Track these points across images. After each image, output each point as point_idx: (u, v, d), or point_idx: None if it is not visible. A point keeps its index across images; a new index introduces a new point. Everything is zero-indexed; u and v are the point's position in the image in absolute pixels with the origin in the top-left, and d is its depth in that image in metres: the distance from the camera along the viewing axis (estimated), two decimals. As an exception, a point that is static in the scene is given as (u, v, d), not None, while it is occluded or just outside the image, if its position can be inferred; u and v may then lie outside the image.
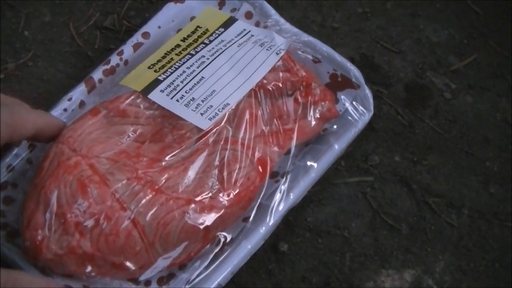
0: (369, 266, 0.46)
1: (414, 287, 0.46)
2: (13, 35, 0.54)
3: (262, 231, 0.42)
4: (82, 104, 0.45)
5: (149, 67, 0.45)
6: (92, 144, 0.40)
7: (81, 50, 0.54)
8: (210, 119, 0.42)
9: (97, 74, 0.46)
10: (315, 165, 0.44)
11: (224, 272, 0.40)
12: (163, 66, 0.45)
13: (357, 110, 0.47)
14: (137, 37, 0.48)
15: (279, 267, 0.45)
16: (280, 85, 0.45)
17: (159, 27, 0.49)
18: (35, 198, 0.38)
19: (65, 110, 0.45)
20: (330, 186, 0.49)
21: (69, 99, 0.45)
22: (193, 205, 0.39)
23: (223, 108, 0.42)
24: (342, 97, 0.47)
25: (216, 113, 0.42)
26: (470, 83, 0.55)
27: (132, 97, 0.42)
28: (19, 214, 0.40)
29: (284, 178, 0.44)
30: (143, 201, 0.38)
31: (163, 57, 0.45)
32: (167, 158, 0.41)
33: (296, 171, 0.44)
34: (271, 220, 0.42)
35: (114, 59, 0.47)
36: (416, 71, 0.55)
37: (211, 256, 0.41)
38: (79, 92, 0.45)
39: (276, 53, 0.45)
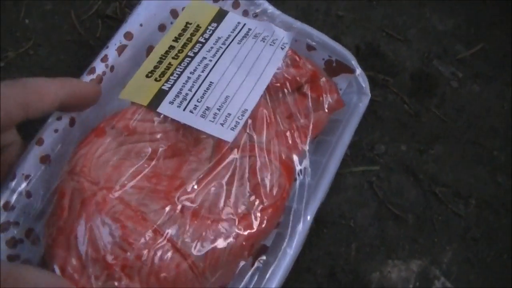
0: (375, 256, 0.46)
1: (421, 277, 0.45)
2: (13, 24, 0.53)
3: (299, 233, 0.40)
4: (72, 121, 0.41)
5: (147, 76, 0.41)
6: (107, 170, 0.36)
7: (83, 39, 0.53)
8: (232, 129, 0.39)
9: None
10: (330, 159, 0.43)
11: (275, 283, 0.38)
12: (163, 73, 0.41)
13: (354, 94, 0.46)
14: (119, 39, 0.44)
15: (284, 257, 0.45)
16: (288, 81, 0.43)
17: (141, 25, 0.45)
18: (65, 244, 0.34)
19: (56, 131, 0.40)
20: (335, 175, 0.48)
21: (58, 118, 0.40)
22: (237, 225, 0.37)
23: (242, 116, 0.39)
24: (337, 82, 0.46)
25: (237, 122, 0.39)
26: (477, 72, 0.55)
27: (140, 112, 0.39)
28: (38, 259, 0.36)
29: (303, 176, 0.42)
30: (187, 229, 0.35)
31: (160, 62, 0.42)
32: (187, 174, 0.38)
33: (313, 166, 0.43)
34: (305, 221, 0.40)
35: (99, 67, 0.43)
36: (423, 60, 0.55)
37: (252, 269, 0.39)
38: None
39: (281, 48, 0.43)
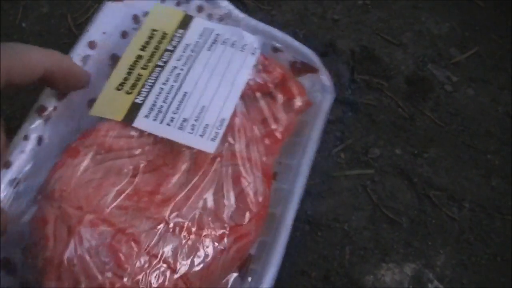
0: (369, 259, 0.46)
1: (414, 281, 0.45)
2: (10, 27, 0.54)
3: (281, 239, 0.39)
4: (40, 140, 0.39)
5: (117, 89, 0.40)
6: (88, 192, 0.35)
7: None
8: (212, 139, 0.38)
9: (49, 101, 0.40)
10: (302, 161, 0.42)
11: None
12: (133, 85, 0.40)
13: (319, 93, 0.45)
14: (83, 49, 0.42)
15: (279, 260, 0.45)
16: (260, 86, 0.42)
17: (104, 32, 0.43)
18: (55, 275, 0.32)
19: (22, 151, 0.38)
20: (330, 179, 0.49)
21: (25, 137, 0.38)
22: (228, 237, 0.37)
23: (221, 125, 0.39)
24: (302, 82, 0.46)
25: (216, 132, 0.39)
26: (471, 76, 0.55)
27: (114, 127, 0.38)
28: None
29: (277, 180, 0.42)
30: (181, 248, 0.35)
31: (129, 74, 0.40)
32: (169, 188, 0.37)
33: (286, 169, 0.42)
34: (285, 226, 0.40)
35: None
36: (417, 64, 0.55)
37: (240, 280, 0.39)
38: (33, 126, 0.39)
39: (252, 53, 0.43)
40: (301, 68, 0.46)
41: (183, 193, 0.37)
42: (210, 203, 0.37)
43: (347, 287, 0.45)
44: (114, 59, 0.42)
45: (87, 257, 0.33)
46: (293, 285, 0.44)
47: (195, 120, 0.39)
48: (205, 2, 0.46)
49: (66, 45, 0.53)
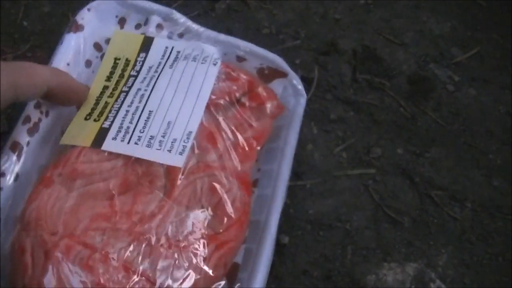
0: (371, 259, 0.46)
1: (416, 280, 0.45)
2: (12, 26, 0.53)
3: (267, 246, 0.39)
4: (17, 176, 0.39)
5: (85, 118, 0.40)
6: (65, 218, 0.35)
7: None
8: (180, 153, 0.39)
9: (22, 137, 0.40)
10: (281, 165, 0.42)
11: None
12: (101, 113, 0.40)
13: (291, 97, 0.46)
14: None
15: (280, 260, 0.45)
16: (227, 95, 0.43)
17: (68, 64, 0.43)
18: None
19: (1, 189, 0.38)
20: (331, 178, 0.49)
21: (2, 175, 0.38)
22: (207, 247, 0.37)
23: (188, 139, 0.39)
24: (273, 88, 0.46)
25: (183, 146, 0.39)
26: (473, 76, 0.55)
27: (84, 153, 0.38)
28: None
29: (258, 187, 0.42)
30: (159, 261, 0.35)
31: (96, 104, 0.41)
32: (144, 207, 0.37)
33: (266, 175, 0.43)
34: (270, 232, 0.40)
35: (34, 114, 0.40)
36: (419, 63, 0.55)
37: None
38: (8, 163, 0.39)
39: (213, 64, 0.43)
40: (269, 73, 0.46)
41: (159, 209, 0.37)
42: (186, 216, 0.37)
43: (348, 286, 0.45)
44: None
45: (65, 280, 0.33)
46: (295, 285, 0.44)
47: (162, 136, 0.39)
48: (163, 21, 0.46)
49: (67, 44, 0.53)
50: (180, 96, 0.41)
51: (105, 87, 0.42)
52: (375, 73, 0.53)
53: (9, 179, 0.39)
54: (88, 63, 0.45)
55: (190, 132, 0.39)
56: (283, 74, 0.46)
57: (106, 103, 0.41)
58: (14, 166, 0.39)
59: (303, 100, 0.45)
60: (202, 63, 0.43)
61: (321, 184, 0.48)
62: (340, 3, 0.57)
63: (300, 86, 0.46)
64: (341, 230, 0.47)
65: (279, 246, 0.45)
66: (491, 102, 0.54)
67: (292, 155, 0.43)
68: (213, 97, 0.42)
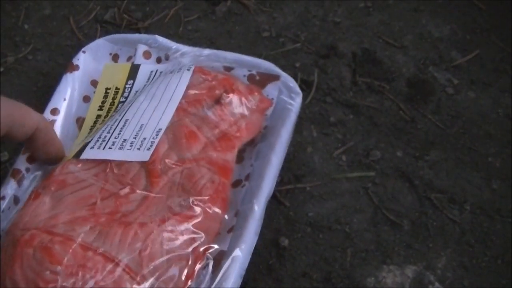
0: (371, 261, 0.46)
1: (415, 283, 0.45)
2: (13, 29, 0.54)
3: (252, 231, 0.40)
4: (16, 200, 0.42)
5: (79, 144, 0.43)
6: (41, 218, 0.37)
7: (81, 44, 0.53)
8: (148, 149, 0.41)
9: (22, 164, 0.43)
10: (271, 154, 0.44)
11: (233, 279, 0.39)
12: (91, 136, 0.44)
13: (287, 98, 0.46)
14: (47, 116, 0.46)
15: (280, 262, 0.45)
16: (205, 96, 0.44)
17: (64, 99, 0.47)
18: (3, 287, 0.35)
19: (2, 211, 0.41)
20: (331, 181, 0.49)
21: (2, 198, 0.41)
22: (169, 222, 0.38)
23: (156, 135, 0.41)
24: (267, 92, 0.47)
25: (151, 141, 0.41)
26: (472, 79, 0.55)
27: (66, 165, 0.40)
28: None
29: (248, 180, 0.43)
30: (116, 239, 0.36)
31: (89, 132, 0.45)
32: (127, 206, 0.38)
33: (257, 168, 0.44)
34: (255, 216, 0.41)
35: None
36: (418, 66, 0.55)
37: (209, 271, 0.39)
38: (9, 188, 0.42)
39: (187, 69, 0.45)
40: (261, 79, 0.47)
41: (139, 207, 0.38)
42: (163, 204, 0.39)
43: (348, 289, 0.45)
44: (79, 121, 0.47)
45: (25, 264, 0.35)
46: (295, 287, 0.44)
47: (134, 138, 0.41)
48: (149, 47, 0.49)
49: (68, 47, 0.53)
50: (154, 103, 0.43)
51: (98, 116, 0.46)
52: (375, 76, 0.54)
53: (10, 203, 0.41)
54: (86, 98, 0.48)
55: (160, 130, 0.42)
56: (276, 77, 0.47)
57: (97, 129, 0.44)
58: (12, 190, 0.42)
59: (298, 98, 0.46)
60: (177, 72, 0.45)
61: (321, 187, 0.48)
62: (339, 6, 0.57)
63: (293, 84, 0.46)
64: (341, 232, 0.47)
65: (278, 249, 0.45)
66: (491, 105, 0.54)
67: (283, 151, 0.44)
68: (192, 99, 0.43)
